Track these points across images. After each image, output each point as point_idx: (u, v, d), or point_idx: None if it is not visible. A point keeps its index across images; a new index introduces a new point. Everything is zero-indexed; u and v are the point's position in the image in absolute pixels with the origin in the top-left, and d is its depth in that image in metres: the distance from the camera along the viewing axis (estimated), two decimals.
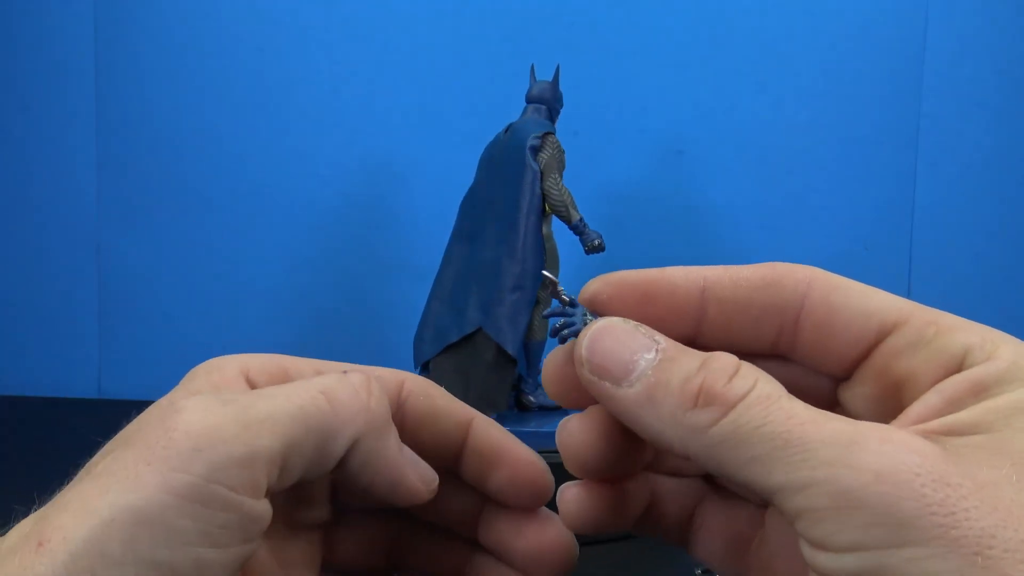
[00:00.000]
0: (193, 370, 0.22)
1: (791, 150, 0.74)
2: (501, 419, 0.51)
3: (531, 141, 0.52)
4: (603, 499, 0.23)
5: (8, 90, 0.76)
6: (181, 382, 0.22)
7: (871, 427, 0.17)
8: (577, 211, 0.52)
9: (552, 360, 0.23)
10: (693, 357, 0.19)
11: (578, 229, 0.52)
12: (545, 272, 0.28)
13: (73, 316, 0.77)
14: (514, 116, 0.57)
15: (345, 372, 0.21)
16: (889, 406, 0.20)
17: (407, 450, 0.23)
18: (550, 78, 0.56)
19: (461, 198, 0.57)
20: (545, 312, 0.24)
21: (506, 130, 0.55)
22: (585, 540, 0.53)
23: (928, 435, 0.17)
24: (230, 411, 0.18)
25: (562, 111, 0.58)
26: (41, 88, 0.76)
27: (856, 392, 0.20)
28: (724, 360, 0.19)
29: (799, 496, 0.16)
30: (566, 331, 0.23)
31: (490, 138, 0.56)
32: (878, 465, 0.16)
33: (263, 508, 0.18)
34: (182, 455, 0.17)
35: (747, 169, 0.74)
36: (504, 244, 0.52)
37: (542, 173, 0.52)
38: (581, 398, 0.22)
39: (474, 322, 0.52)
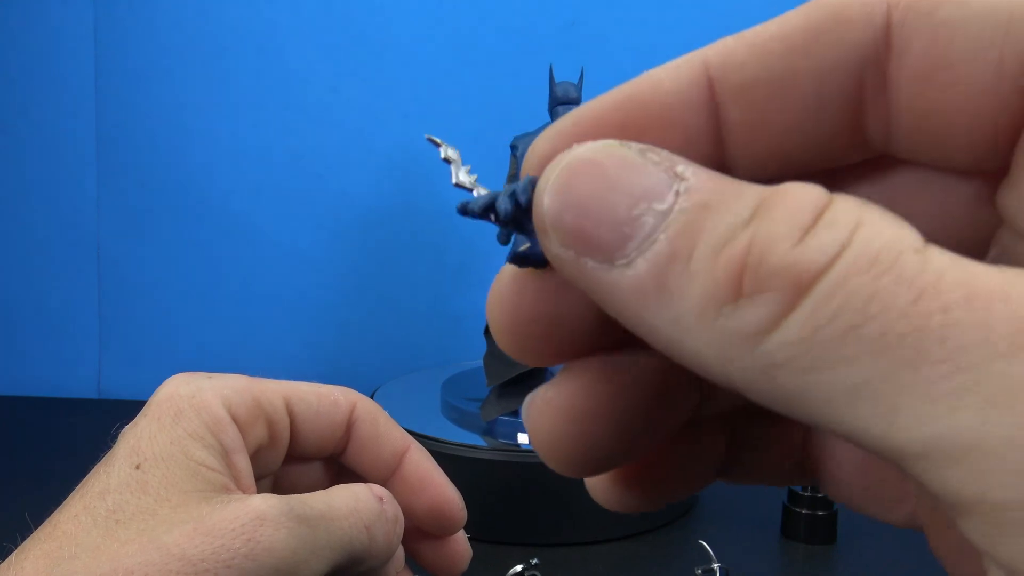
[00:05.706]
0: (173, 396, 0.24)
1: None
2: None
3: None
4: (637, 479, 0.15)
5: (8, 90, 0.76)
6: (163, 407, 0.24)
7: None
8: None
9: (496, 290, 0.13)
10: (745, 198, 0.10)
11: None
12: (429, 136, 0.20)
13: (73, 316, 0.77)
14: (519, 116, 0.57)
15: (382, 500, 0.25)
16: None
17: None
18: (559, 80, 0.56)
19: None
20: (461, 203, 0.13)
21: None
22: (585, 540, 0.53)
23: None
24: (307, 535, 0.22)
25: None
26: (41, 88, 0.76)
27: None
28: (797, 196, 0.10)
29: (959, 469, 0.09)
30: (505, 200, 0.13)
31: (506, 136, 0.55)
32: None
33: None
34: (266, 572, 0.21)
35: None
36: None
37: None
38: (547, 347, 0.13)
39: None
